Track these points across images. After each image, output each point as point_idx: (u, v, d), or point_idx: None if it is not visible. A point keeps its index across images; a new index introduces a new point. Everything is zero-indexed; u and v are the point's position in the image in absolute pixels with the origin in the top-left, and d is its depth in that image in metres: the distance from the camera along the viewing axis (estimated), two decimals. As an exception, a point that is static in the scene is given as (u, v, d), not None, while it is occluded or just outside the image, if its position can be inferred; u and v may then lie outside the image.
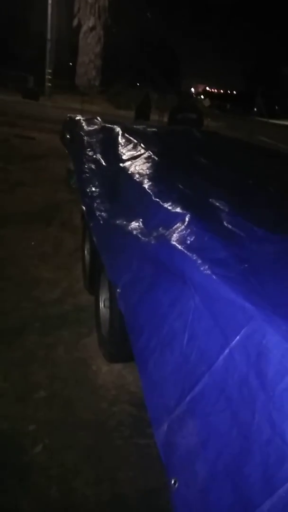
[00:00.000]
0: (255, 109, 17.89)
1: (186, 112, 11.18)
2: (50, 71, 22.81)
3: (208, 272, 1.13)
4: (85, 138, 3.78)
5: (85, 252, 3.29)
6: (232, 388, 0.94)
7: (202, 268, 1.17)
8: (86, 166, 3.17)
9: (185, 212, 1.55)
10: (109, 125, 3.97)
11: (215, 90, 49.86)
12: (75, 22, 25.40)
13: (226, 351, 0.97)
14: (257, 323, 0.91)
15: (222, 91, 49.59)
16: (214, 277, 1.11)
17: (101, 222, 2.25)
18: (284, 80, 38.17)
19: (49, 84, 22.68)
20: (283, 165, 3.22)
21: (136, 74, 28.53)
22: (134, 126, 4.52)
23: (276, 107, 34.97)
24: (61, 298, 3.08)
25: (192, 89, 46.71)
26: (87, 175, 3.05)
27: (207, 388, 1.02)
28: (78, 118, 4.81)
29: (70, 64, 27.79)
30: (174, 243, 1.35)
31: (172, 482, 1.02)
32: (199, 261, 1.20)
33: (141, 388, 2.14)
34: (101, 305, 2.56)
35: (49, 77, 22.75)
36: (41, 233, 4.26)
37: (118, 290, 1.70)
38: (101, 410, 2.08)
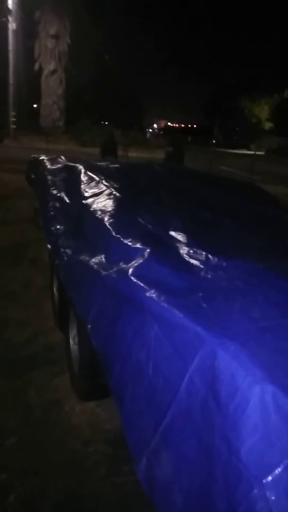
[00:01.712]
0: (214, 140, 18.77)
1: (175, 146, 12.06)
2: (14, 113, 23.21)
3: (164, 302, 1.18)
4: (49, 177, 3.86)
5: (54, 289, 3.29)
6: (195, 413, 0.97)
7: (159, 299, 1.22)
8: (50, 205, 3.22)
9: (144, 246, 1.61)
10: (72, 164, 4.07)
11: (176, 125, 52.01)
12: (36, 66, 26.21)
13: (187, 376, 1.00)
14: (208, 346, 0.96)
15: (183, 125, 51.75)
16: (170, 307, 1.15)
17: (66, 259, 2.28)
18: (239, 112, 40.42)
19: (14, 126, 23.03)
20: (239, 193, 3.38)
21: (99, 112, 29.48)
22: (97, 163, 4.65)
23: (235, 137, 36.77)
24: (31, 338, 3.03)
25: (155, 125, 48.54)
26: (52, 213, 3.10)
27: (175, 416, 1.04)
28: (42, 158, 4.90)
29: (34, 106, 28.45)
30: (134, 277, 1.40)
31: None
32: (157, 293, 1.25)
33: (116, 426, 2.12)
34: (71, 342, 2.54)
35: (13, 119, 23.12)
36: (9, 273, 4.22)
37: (88, 326, 1.72)
38: (76, 452, 2.03)
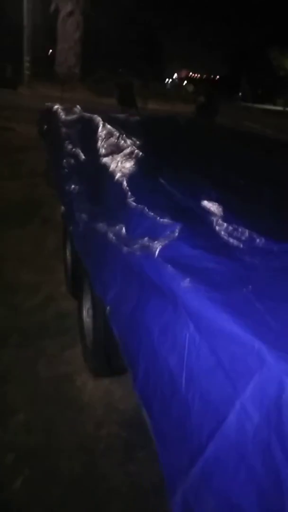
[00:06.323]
0: (240, 93, 17.62)
1: (209, 98, 11.43)
2: (28, 58, 22.03)
3: (203, 296, 0.94)
4: (64, 129, 3.54)
5: (67, 253, 3.07)
6: (250, 453, 0.74)
7: (195, 291, 0.98)
8: (64, 161, 2.93)
9: (174, 220, 1.35)
10: (90, 115, 3.71)
11: (199, 75, 49.13)
12: (52, 7, 24.51)
13: (237, 404, 0.77)
14: (272, 370, 0.72)
15: (205, 76, 48.84)
16: (211, 303, 0.91)
17: (82, 226, 2.04)
18: (267, 64, 37.82)
19: (28, 72, 21.94)
20: (281, 156, 2.99)
21: (118, 60, 27.91)
22: (117, 116, 4.26)
23: (260, 91, 34.64)
24: (43, 304, 2.86)
25: (176, 75, 46.02)
26: (66, 170, 2.83)
27: (220, 449, 0.80)
28: (56, 107, 4.52)
29: (50, 51, 27.00)
30: (163, 259, 1.15)
31: None
32: (192, 282, 1.00)
33: (131, 406, 1.97)
34: (85, 314, 2.36)
35: (28, 64, 21.98)
36: (19, 232, 4.01)
37: (107, 307, 1.50)
38: (87, 434, 1.89)
